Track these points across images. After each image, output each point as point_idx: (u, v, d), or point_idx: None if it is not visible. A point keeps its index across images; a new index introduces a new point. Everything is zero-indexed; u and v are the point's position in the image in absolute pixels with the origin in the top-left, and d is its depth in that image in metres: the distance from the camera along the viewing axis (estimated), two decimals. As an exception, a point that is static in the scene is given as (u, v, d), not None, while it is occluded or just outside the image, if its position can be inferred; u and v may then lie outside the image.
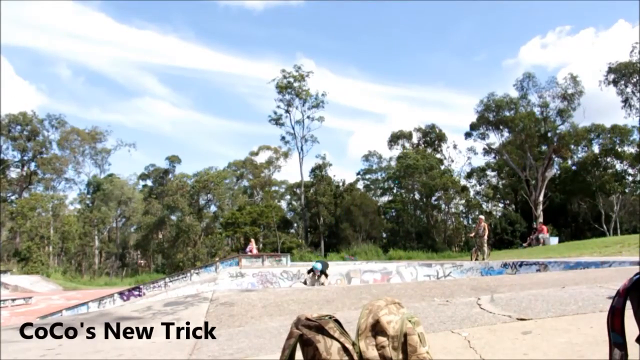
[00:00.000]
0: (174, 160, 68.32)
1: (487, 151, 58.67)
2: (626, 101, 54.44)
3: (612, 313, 2.23)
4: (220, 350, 3.71)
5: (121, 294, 17.93)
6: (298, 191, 64.32)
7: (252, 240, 38.98)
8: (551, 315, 3.84)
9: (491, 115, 53.67)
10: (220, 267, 20.57)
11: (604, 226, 50.83)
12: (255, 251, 33.71)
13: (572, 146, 55.73)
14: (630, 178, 55.56)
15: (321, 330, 2.28)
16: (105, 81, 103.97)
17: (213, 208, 65.26)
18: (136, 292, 18.33)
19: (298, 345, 2.32)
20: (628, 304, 2.10)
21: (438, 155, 63.40)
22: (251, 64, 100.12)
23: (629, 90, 54.19)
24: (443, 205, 60.20)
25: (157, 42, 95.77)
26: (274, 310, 5.57)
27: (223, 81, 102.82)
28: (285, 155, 66.35)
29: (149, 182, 71.62)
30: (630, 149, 55.18)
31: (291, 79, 58.02)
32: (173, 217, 61.25)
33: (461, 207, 62.02)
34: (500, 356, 2.97)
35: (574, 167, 58.36)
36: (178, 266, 50.01)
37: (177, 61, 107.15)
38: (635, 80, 53.76)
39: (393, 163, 63.08)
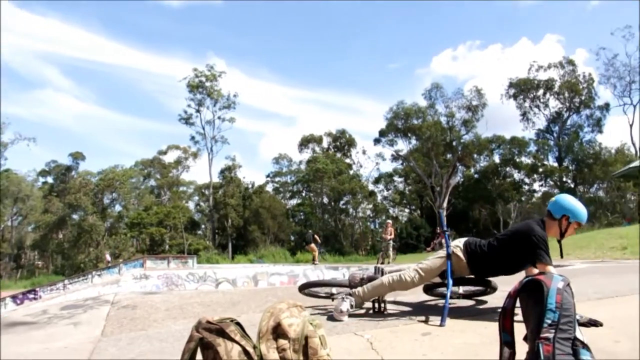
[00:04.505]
0: (77, 156, 65.36)
1: (395, 158, 60.10)
2: (524, 115, 57.66)
3: (503, 314, 2.36)
4: (120, 355, 3.60)
5: (14, 297, 16.97)
6: (207, 192, 63.35)
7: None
8: (450, 317, 3.98)
9: (400, 123, 54.91)
10: (123, 269, 19.95)
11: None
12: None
13: (475, 155, 58.05)
14: (527, 187, 58.66)
15: (222, 333, 2.26)
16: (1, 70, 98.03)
17: (118, 207, 63.11)
18: (31, 295, 17.42)
19: (199, 349, 2.29)
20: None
21: (347, 160, 64.25)
22: (161, 60, 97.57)
23: (527, 104, 57.38)
24: (351, 210, 61.05)
25: (61, 31, 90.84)
26: (177, 313, 5.46)
27: (131, 77, 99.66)
28: (195, 155, 65.27)
29: (50, 179, 67.97)
30: (527, 160, 58.51)
31: (203, 79, 57.19)
32: (75, 216, 58.54)
33: (368, 212, 63.14)
34: (400, 356, 3.05)
35: (476, 175, 60.84)
36: (79, 267, 47.95)
37: (82, 53, 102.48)
38: (532, 95, 56.87)
39: (303, 166, 63.43)
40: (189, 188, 70.23)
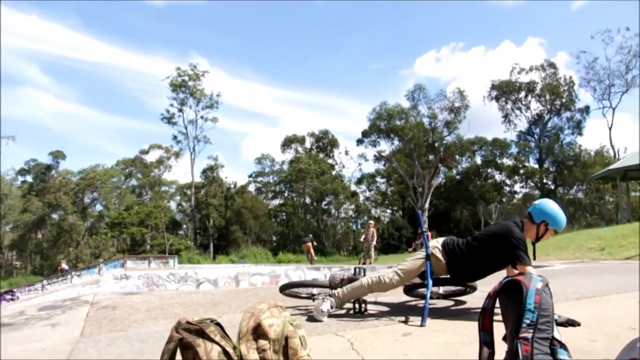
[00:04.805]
0: (57, 155, 64.66)
1: (378, 158, 60.21)
2: (506, 117, 58.13)
3: (483, 314, 2.37)
4: (100, 356, 3.57)
5: (-9, 298, 16.81)
6: (188, 192, 63.06)
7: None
8: (430, 318, 4.00)
9: (383, 124, 55.01)
10: (103, 269, 19.82)
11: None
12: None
13: (457, 156, 58.48)
14: (508, 188, 59.11)
15: (202, 334, 2.24)
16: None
17: (99, 207, 62.69)
18: (8, 296, 17.24)
19: (178, 350, 2.27)
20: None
21: (330, 161, 64.25)
22: (144, 59, 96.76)
23: (509, 106, 57.88)
24: (333, 210, 61.06)
25: (41, 28, 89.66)
26: (158, 314, 5.41)
27: (113, 75, 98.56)
28: (177, 155, 65.09)
29: (29, 178, 67.01)
30: (508, 162, 58.93)
31: (186, 78, 57.02)
32: (54, 216, 58.00)
33: (351, 212, 63.15)
34: (381, 357, 3.06)
35: (458, 177, 61.20)
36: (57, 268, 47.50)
37: (63, 50, 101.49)
38: (514, 98, 57.37)
39: (285, 167, 63.32)
40: (171, 188, 69.95)
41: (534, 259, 5.00)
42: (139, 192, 67.15)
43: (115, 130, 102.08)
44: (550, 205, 4.16)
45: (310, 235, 31.35)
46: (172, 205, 69.34)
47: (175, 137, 59.83)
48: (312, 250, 28.07)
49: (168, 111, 58.22)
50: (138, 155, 67.04)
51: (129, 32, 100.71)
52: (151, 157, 67.35)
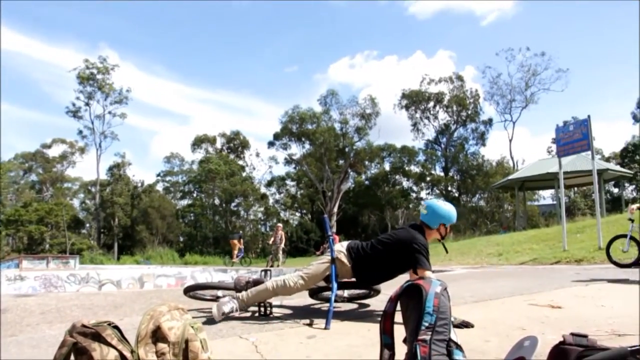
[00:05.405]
0: (-52, 146, 60.87)
1: (288, 161, 60.24)
2: (415, 125, 59.76)
3: (384, 317, 2.42)
4: (-14, 362, 3.38)
5: None
6: (93, 189, 60.75)
7: None
8: (334, 320, 4.05)
9: (294, 127, 55.11)
10: (-5, 269, 18.75)
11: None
12: None
13: (367, 162, 59.38)
14: (414, 195, 60.71)
15: (97, 337, 2.15)
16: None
17: (-7, 203, 59.18)
18: None
19: (72, 355, 2.17)
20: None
21: (240, 162, 63.73)
22: (48, 48, 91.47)
23: (418, 115, 59.55)
24: (242, 212, 60.69)
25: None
26: (54, 317, 5.17)
27: (14, 63, 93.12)
28: (82, 150, 62.24)
29: None
30: (415, 169, 60.63)
31: (94, 70, 54.85)
32: (-58, 212, 54.52)
33: (260, 215, 62.99)
34: (285, 359, 3.06)
35: (367, 182, 62.11)
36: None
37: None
38: (423, 107, 59.15)
39: (195, 167, 62.42)
40: (74, 185, 67.14)
41: (446, 252, 5.28)
42: (39, 188, 63.94)
43: (14, 121, 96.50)
44: (439, 208, 4.36)
45: (240, 232, 31.50)
46: (75, 203, 66.56)
47: (80, 132, 57.36)
48: (236, 250, 28.09)
49: (74, 104, 55.72)
50: (39, 149, 63.70)
51: (34, 19, 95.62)
52: (54, 152, 64.16)
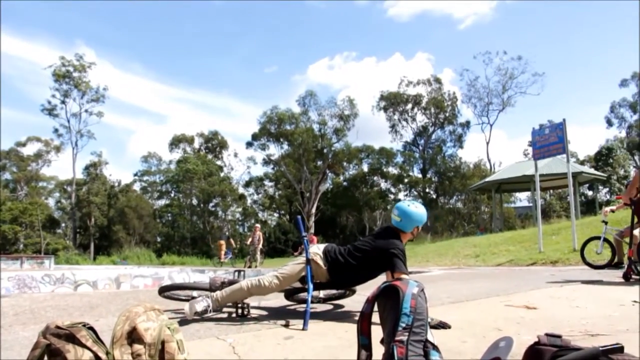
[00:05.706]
0: None
1: (267, 162, 60.18)
2: (393, 127, 60.02)
3: (361, 318, 2.42)
4: (-45, 365, 3.31)
5: None
6: (69, 189, 60.06)
7: None
8: (312, 321, 4.04)
9: (273, 128, 55.05)
10: (-33, 270, 18.43)
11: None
12: None
13: (345, 163, 59.64)
14: (392, 196, 60.97)
15: (72, 338, 2.12)
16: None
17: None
18: None
19: (46, 356, 2.14)
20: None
21: (219, 162, 63.62)
22: (23, 44, 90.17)
23: (396, 117, 59.83)
24: (220, 212, 60.45)
25: None
26: (27, 318, 5.09)
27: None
28: (58, 149, 61.59)
29: None
30: (394, 170, 60.91)
31: (70, 68, 54.31)
32: None
33: (238, 215, 62.94)
34: (262, 359, 3.05)
35: (345, 183, 62.29)
36: None
37: None
38: (402, 109, 59.44)
39: (173, 166, 62.07)
40: (50, 184, 66.36)
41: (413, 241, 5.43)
42: (13, 187, 63.01)
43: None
44: (412, 213, 4.40)
45: (227, 234, 31.52)
46: (51, 202, 66.00)
47: (56, 130, 56.78)
48: (222, 251, 28.09)
49: (49, 102, 55.13)
50: (13, 147, 62.78)
51: (8, 13, 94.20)
52: (28, 150, 63.34)
